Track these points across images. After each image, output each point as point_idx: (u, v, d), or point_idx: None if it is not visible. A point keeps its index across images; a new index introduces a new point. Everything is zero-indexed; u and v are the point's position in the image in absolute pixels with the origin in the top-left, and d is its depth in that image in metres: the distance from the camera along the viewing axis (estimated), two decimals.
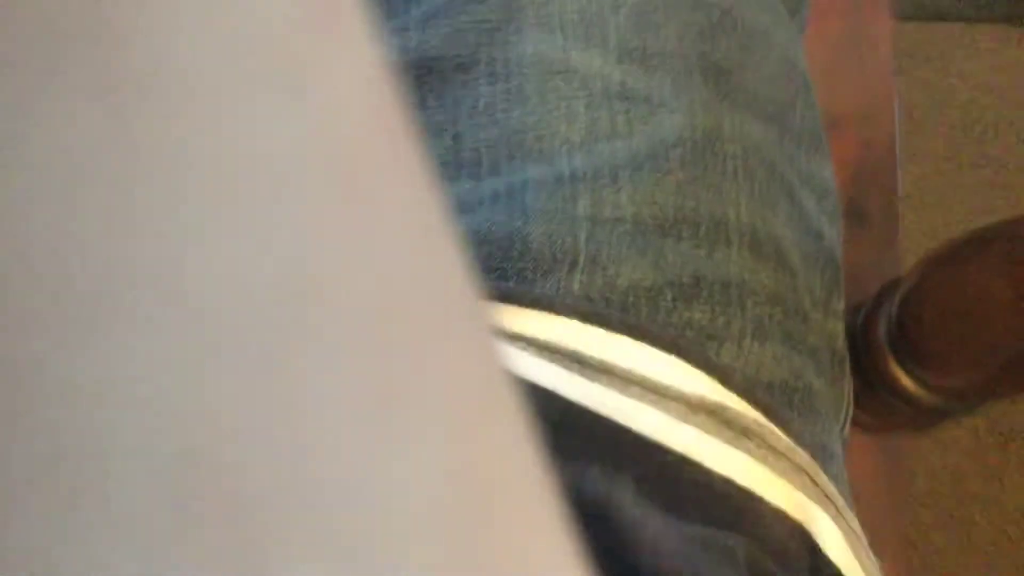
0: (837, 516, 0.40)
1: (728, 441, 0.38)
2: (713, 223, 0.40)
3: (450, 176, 0.40)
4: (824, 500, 0.40)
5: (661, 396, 0.37)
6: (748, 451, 0.38)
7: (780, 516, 0.38)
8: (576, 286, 0.38)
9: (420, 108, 0.41)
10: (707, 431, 0.37)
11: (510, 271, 0.38)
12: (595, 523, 0.30)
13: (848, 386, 0.47)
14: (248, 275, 0.10)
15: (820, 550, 0.39)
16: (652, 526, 0.33)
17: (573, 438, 0.36)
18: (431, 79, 0.41)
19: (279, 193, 0.10)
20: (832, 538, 0.39)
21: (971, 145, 1.22)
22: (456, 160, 0.40)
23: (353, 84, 0.11)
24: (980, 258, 0.48)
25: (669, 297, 0.39)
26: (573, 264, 0.38)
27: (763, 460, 0.38)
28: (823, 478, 0.40)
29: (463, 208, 0.39)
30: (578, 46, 0.40)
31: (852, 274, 0.59)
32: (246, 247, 0.10)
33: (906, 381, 0.54)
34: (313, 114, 0.11)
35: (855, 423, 0.60)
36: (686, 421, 0.37)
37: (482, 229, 0.38)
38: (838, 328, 0.46)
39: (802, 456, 0.40)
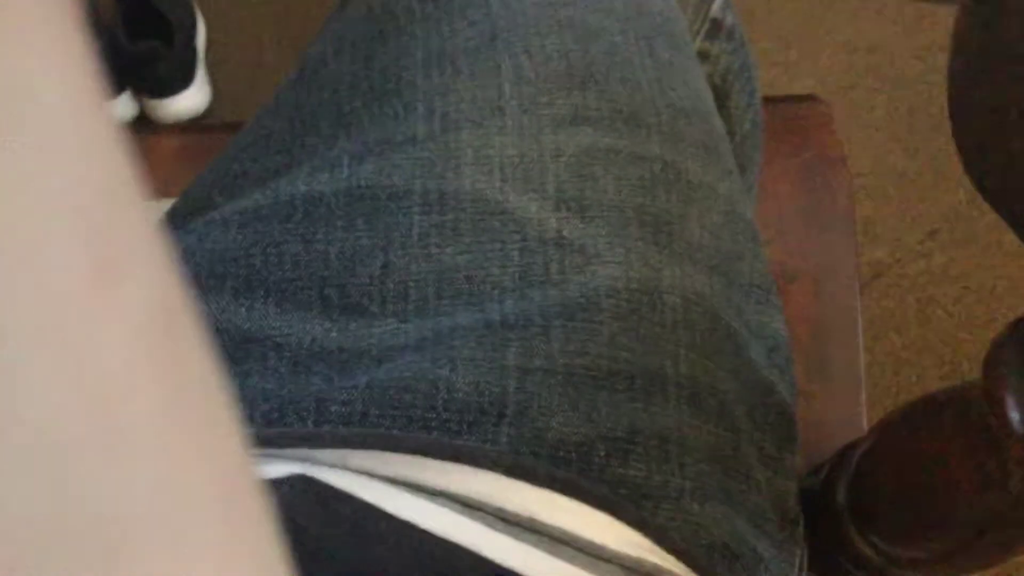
0: None
1: None
2: (648, 376, 0.38)
3: (372, 313, 0.39)
4: None
5: (594, 558, 0.35)
6: None
7: None
8: (503, 439, 0.36)
9: (347, 230, 0.40)
10: None
11: (434, 422, 0.36)
12: None
13: (801, 551, 0.45)
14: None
15: None
16: None
17: None
18: (361, 204, 0.40)
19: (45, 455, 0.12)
20: None
21: None
22: (381, 293, 0.39)
23: (127, 348, 0.13)
24: (932, 424, 0.46)
25: (602, 452, 0.37)
26: (500, 415, 0.37)
27: None
28: None
29: (385, 354, 0.38)
30: (516, 189, 0.40)
31: (816, 431, 0.58)
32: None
33: (866, 550, 0.52)
34: (85, 382, 0.12)
35: None
36: None
37: (405, 377, 0.37)
38: (789, 487, 0.44)
39: None
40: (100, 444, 0.12)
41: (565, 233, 0.39)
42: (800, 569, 0.45)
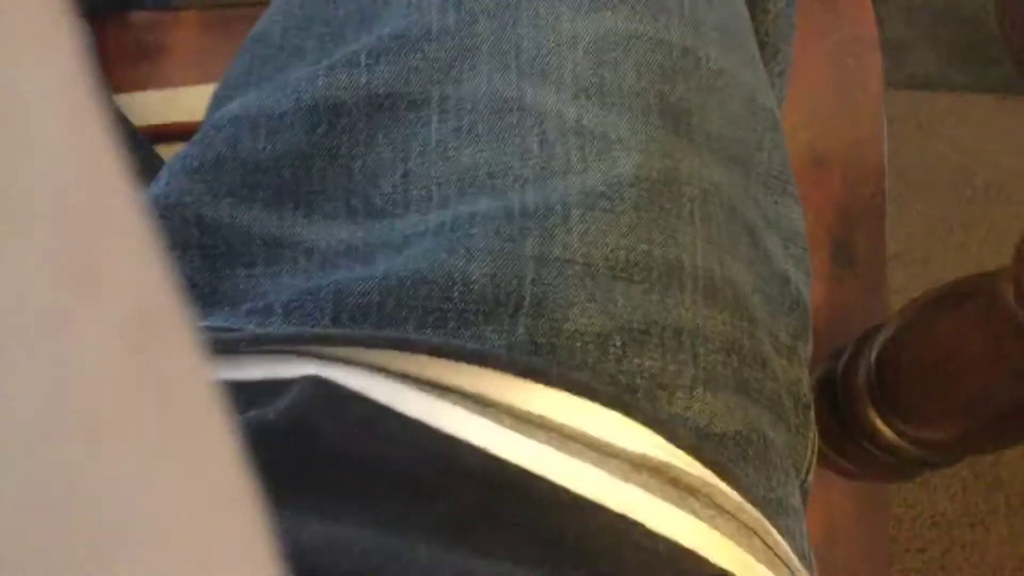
0: None
1: (673, 501, 0.36)
2: (666, 267, 0.38)
3: (397, 215, 0.39)
4: (774, 561, 0.38)
5: (602, 454, 0.35)
6: (694, 511, 0.36)
7: None
8: (520, 330, 0.37)
9: (368, 145, 0.40)
10: (651, 490, 0.36)
11: (450, 313, 0.37)
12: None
13: (812, 435, 0.45)
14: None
15: None
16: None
17: (506, 499, 0.34)
18: (381, 116, 0.40)
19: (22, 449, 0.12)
20: None
21: (961, 206, 1.24)
22: (404, 198, 0.39)
23: (101, 345, 0.13)
24: (957, 311, 0.46)
25: (618, 343, 0.37)
26: (517, 307, 0.37)
27: (710, 521, 0.37)
28: (774, 537, 0.39)
29: (406, 242, 0.38)
30: (533, 83, 0.39)
31: (837, 316, 0.58)
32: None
33: (885, 431, 0.52)
34: (58, 375, 0.12)
35: (836, 469, 0.58)
36: (628, 480, 0.35)
37: (421, 268, 0.37)
38: (802, 375, 0.44)
39: (752, 515, 0.38)
40: (85, 447, 0.12)
41: (585, 121, 0.39)
42: (812, 451, 0.45)
